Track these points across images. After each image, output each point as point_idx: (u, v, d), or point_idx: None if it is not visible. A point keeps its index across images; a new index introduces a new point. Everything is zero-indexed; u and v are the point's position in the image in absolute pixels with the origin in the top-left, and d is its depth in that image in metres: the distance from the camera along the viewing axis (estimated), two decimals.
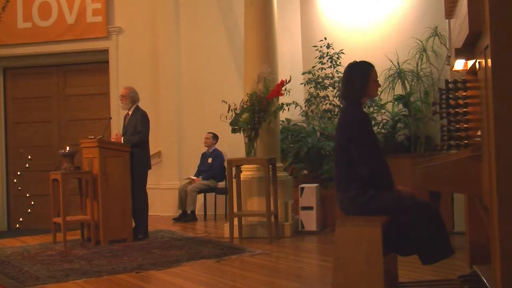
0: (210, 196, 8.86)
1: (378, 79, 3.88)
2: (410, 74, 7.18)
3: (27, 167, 9.80)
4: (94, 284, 4.79)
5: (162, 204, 9.13)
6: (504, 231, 2.48)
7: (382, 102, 7.22)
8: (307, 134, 7.75)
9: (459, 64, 3.41)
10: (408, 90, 7.19)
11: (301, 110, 7.95)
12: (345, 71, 3.92)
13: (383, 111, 7.32)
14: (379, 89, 4.06)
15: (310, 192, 6.90)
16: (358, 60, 3.91)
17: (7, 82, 10.06)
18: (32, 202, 9.61)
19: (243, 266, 5.35)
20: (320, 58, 7.77)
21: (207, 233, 7.32)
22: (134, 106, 7.18)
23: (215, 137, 8.95)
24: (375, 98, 6.43)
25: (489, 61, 2.52)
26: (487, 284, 3.01)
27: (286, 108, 6.90)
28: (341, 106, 7.00)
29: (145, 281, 4.91)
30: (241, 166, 6.74)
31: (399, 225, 3.58)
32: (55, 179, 6.75)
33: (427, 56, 7.16)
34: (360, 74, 3.79)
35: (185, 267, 5.30)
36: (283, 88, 6.67)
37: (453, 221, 6.32)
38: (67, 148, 6.92)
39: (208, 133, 8.96)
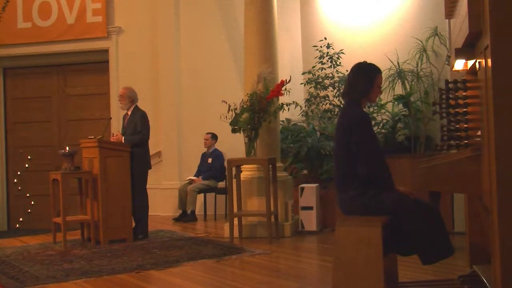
0: (210, 196, 8.86)
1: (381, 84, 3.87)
2: (410, 74, 7.18)
3: (27, 167, 9.79)
4: (94, 284, 4.79)
5: (162, 204, 9.12)
6: (504, 231, 2.49)
7: (382, 102, 7.21)
8: (307, 134, 7.74)
9: (459, 64, 3.41)
10: (408, 90, 7.19)
11: (301, 110, 7.94)
12: (352, 69, 3.89)
13: (383, 111, 7.32)
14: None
15: (310, 192, 6.89)
16: (368, 61, 3.89)
17: (7, 82, 10.05)
18: (32, 202, 9.60)
19: (243, 266, 5.35)
20: (320, 58, 7.77)
21: (207, 233, 7.32)
22: (133, 106, 7.17)
23: (214, 137, 8.95)
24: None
25: (489, 61, 2.52)
26: (487, 284, 3.01)
27: (286, 108, 6.90)
28: (342, 105, 7.00)
29: (145, 281, 4.91)
30: (241, 166, 6.73)
31: (399, 225, 3.58)
32: (55, 179, 6.74)
33: (427, 56, 7.16)
34: (366, 76, 3.78)
35: (185, 267, 5.30)
36: (283, 88, 6.66)
37: (453, 221, 6.32)
38: (67, 148, 6.92)
39: (207, 133, 8.96)
